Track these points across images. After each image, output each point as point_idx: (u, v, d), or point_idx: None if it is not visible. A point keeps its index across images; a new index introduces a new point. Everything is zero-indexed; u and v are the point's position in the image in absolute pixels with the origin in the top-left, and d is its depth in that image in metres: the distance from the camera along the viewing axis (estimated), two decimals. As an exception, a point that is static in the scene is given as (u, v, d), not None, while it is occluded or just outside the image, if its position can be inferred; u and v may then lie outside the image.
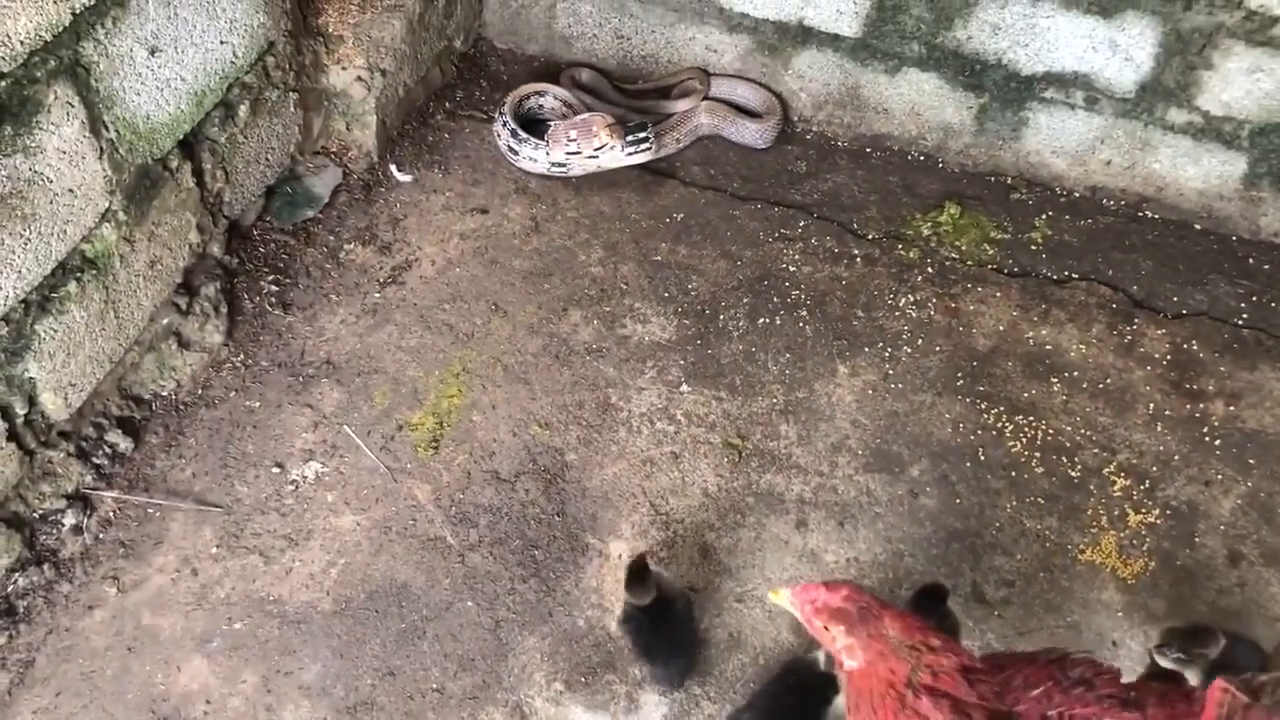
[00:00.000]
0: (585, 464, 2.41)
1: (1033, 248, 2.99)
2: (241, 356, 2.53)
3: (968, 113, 3.11)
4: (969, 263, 2.94)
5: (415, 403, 2.49)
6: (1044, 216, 3.08)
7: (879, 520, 2.36)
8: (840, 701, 1.92)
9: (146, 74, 2.13)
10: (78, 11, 1.89)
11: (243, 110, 2.48)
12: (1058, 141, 3.08)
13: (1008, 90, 3.03)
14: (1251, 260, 3.00)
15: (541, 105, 3.16)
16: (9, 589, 2.07)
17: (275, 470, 2.34)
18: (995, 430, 2.54)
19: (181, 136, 2.30)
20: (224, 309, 2.54)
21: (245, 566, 2.18)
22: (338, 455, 2.38)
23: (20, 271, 1.93)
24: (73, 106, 1.94)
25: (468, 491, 2.34)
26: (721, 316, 2.75)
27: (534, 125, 3.08)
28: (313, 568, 2.19)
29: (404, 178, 2.99)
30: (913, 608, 2.03)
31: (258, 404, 2.45)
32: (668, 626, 2.04)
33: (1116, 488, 2.45)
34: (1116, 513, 2.40)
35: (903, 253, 2.95)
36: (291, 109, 2.69)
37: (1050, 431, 2.55)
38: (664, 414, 2.52)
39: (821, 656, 1.99)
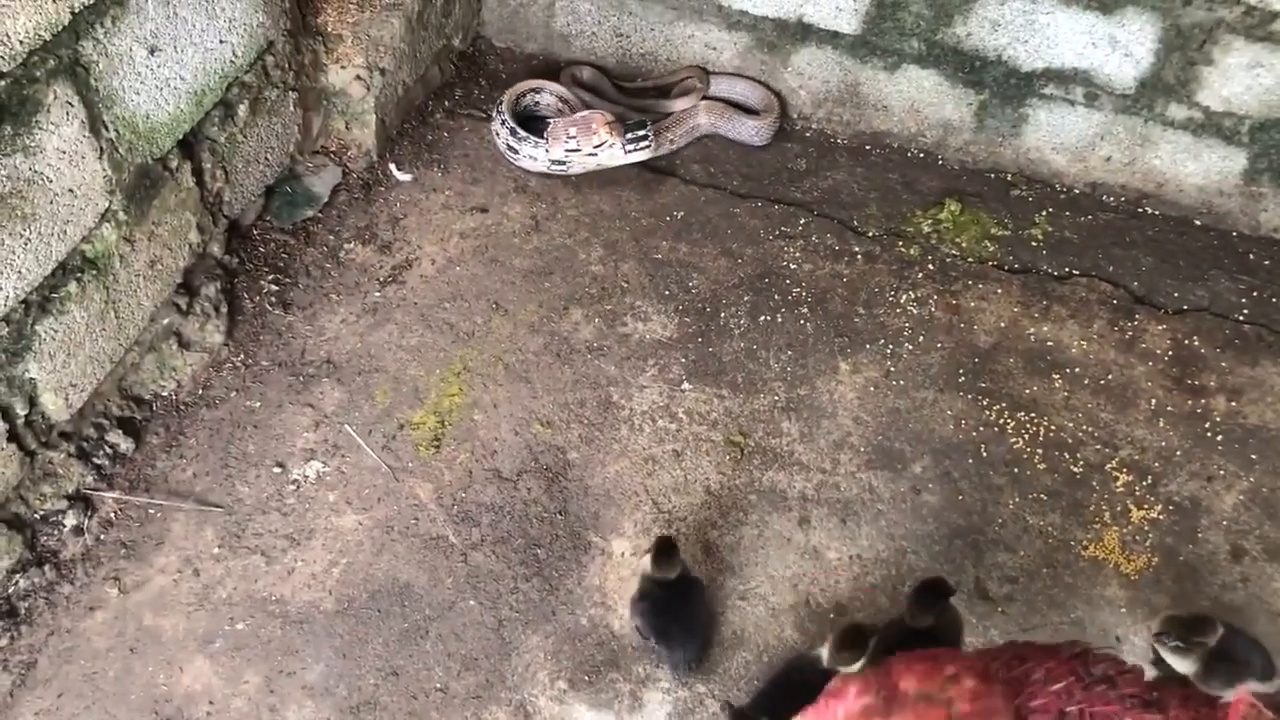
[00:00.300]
0: (587, 462, 2.41)
1: (1033, 244, 2.99)
2: (242, 356, 2.52)
3: (967, 109, 3.11)
4: (969, 259, 2.93)
5: (416, 402, 2.49)
6: (1044, 213, 3.07)
7: (881, 517, 2.36)
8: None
9: (146, 73, 2.12)
10: (77, 11, 1.89)
11: (242, 109, 2.48)
12: (1058, 138, 3.08)
13: (1007, 87, 3.02)
14: (1252, 256, 3.00)
15: (538, 102, 3.16)
16: (10, 590, 2.06)
17: (276, 470, 2.33)
18: (997, 427, 2.54)
19: (181, 136, 2.30)
20: (224, 309, 2.53)
21: (247, 567, 2.18)
22: (339, 455, 2.37)
23: (20, 272, 1.92)
24: (72, 106, 1.93)
25: (470, 490, 2.34)
26: (722, 314, 2.74)
27: (531, 122, 3.08)
28: (315, 567, 2.19)
29: (403, 177, 2.99)
30: (912, 603, 2.02)
31: (258, 404, 2.44)
32: (686, 608, 2.05)
33: (1119, 483, 2.45)
34: (1119, 508, 2.40)
35: (903, 250, 2.94)
36: (291, 108, 2.68)
37: (1052, 428, 2.54)
38: (666, 412, 2.52)
39: (825, 652, 1.98)
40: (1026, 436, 2.53)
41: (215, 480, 2.30)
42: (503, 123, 3.01)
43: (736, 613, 2.19)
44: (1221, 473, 2.48)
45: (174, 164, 2.30)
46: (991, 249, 2.97)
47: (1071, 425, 2.56)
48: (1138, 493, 2.43)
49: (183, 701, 1.99)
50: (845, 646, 1.89)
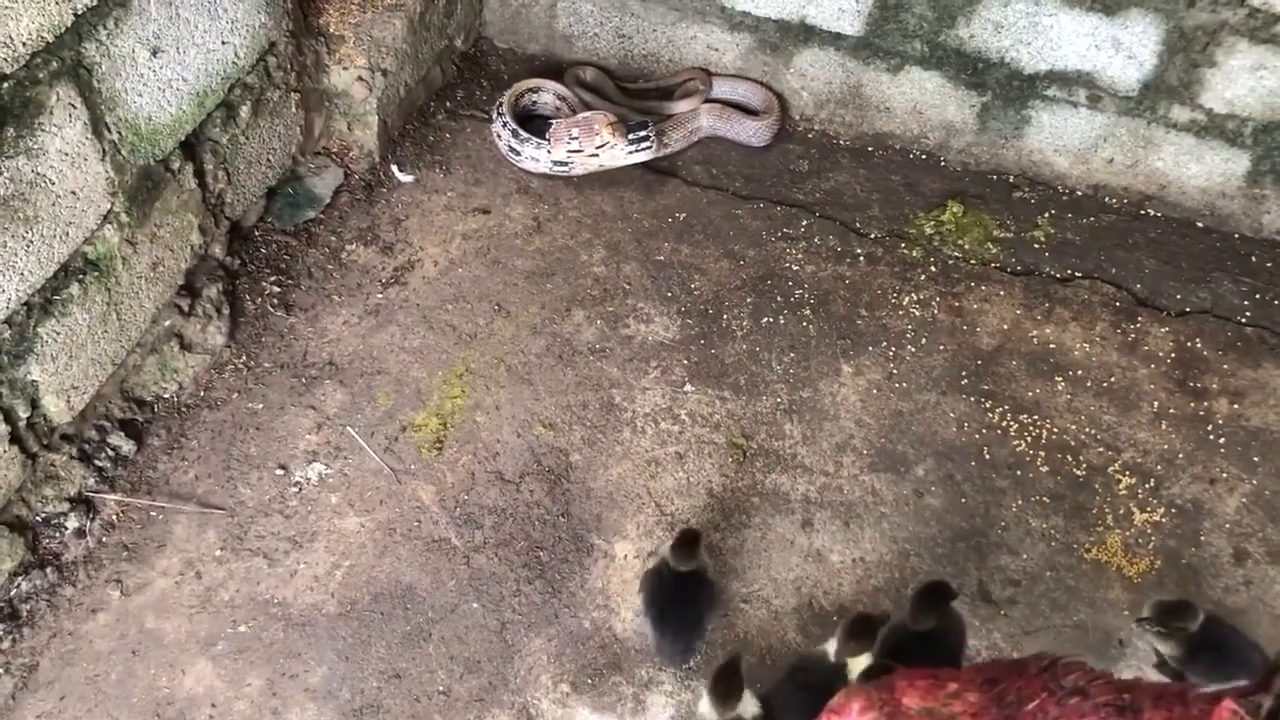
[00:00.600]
0: (590, 464, 2.41)
1: (1035, 246, 2.99)
2: (244, 358, 2.52)
3: (970, 111, 3.11)
4: (972, 261, 2.93)
5: (418, 404, 2.48)
6: (1047, 215, 3.07)
7: (884, 520, 2.36)
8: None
9: (148, 75, 2.12)
10: (80, 12, 1.88)
11: (244, 111, 2.47)
12: (1060, 140, 3.08)
13: (1010, 89, 3.02)
14: (1254, 258, 3.00)
15: (536, 102, 3.16)
16: (12, 593, 2.06)
17: (279, 472, 2.33)
18: (1000, 429, 2.54)
19: (183, 137, 2.29)
20: (226, 310, 2.53)
21: (249, 569, 2.18)
22: (341, 457, 2.37)
23: (23, 274, 1.92)
24: (75, 108, 1.93)
25: (472, 493, 2.34)
26: (725, 316, 2.74)
27: (530, 122, 3.07)
28: (317, 570, 2.19)
29: (405, 178, 2.98)
30: (915, 606, 2.02)
31: (260, 406, 2.44)
32: (688, 605, 2.06)
33: (1121, 486, 2.45)
34: (1122, 511, 2.40)
35: (906, 252, 2.94)
36: (293, 109, 2.68)
37: (1055, 430, 2.54)
38: (668, 414, 2.51)
39: (831, 646, 1.97)
40: (1029, 439, 2.52)
41: (217, 482, 2.30)
42: (504, 125, 3.01)
43: (739, 615, 2.19)
44: (1224, 475, 2.48)
45: (176, 165, 2.29)
46: (994, 251, 2.97)
47: (1074, 428, 2.55)
48: (1140, 495, 2.43)
49: (185, 704, 1.99)
50: (853, 637, 1.89)
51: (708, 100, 3.20)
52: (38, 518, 2.13)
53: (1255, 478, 2.48)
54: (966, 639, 2.08)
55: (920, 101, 3.14)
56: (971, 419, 2.56)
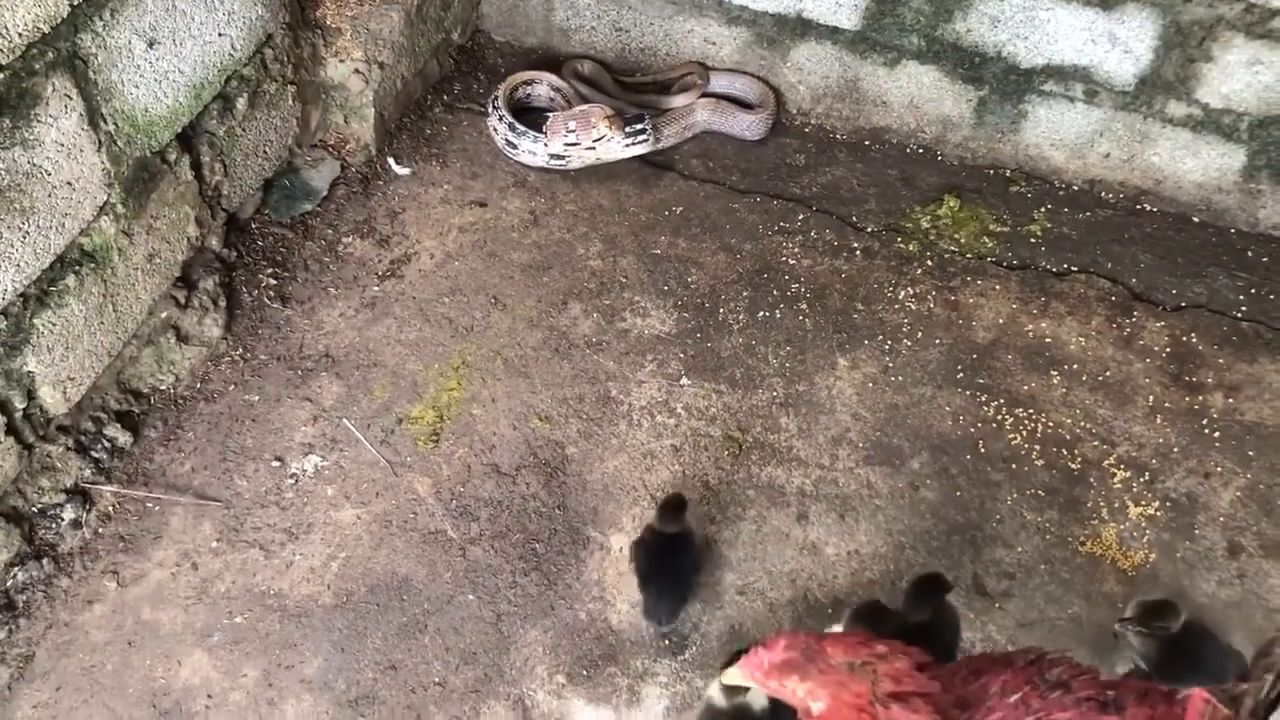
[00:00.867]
0: (586, 457, 2.41)
1: (1032, 240, 2.99)
2: (240, 350, 2.52)
3: (967, 105, 3.11)
4: (968, 255, 2.94)
5: (415, 396, 2.48)
6: (1043, 209, 3.08)
7: (879, 513, 2.37)
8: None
9: (145, 66, 2.11)
10: (76, 3, 1.88)
11: (241, 103, 2.47)
12: (1057, 134, 3.08)
13: (1007, 83, 3.02)
14: (1250, 253, 3.00)
15: (530, 94, 3.16)
16: (8, 584, 2.06)
17: (275, 464, 2.33)
18: (995, 423, 2.55)
19: (180, 129, 2.29)
20: (222, 302, 2.53)
21: (245, 560, 2.18)
22: (337, 449, 2.37)
23: (19, 265, 1.92)
24: (71, 99, 1.93)
25: (468, 485, 2.34)
26: (721, 310, 2.74)
27: (525, 114, 3.07)
28: (313, 561, 2.19)
29: (402, 171, 2.98)
30: (910, 597, 2.03)
31: (257, 398, 2.44)
32: (674, 562, 2.11)
33: (1116, 480, 2.45)
34: (1116, 505, 2.41)
35: (902, 246, 2.94)
36: (289, 102, 2.68)
37: (1050, 424, 2.55)
38: (664, 407, 2.52)
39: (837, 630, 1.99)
40: (1025, 433, 2.53)
41: (213, 474, 2.30)
42: (500, 118, 3.01)
43: (735, 608, 2.19)
44: (1219, 469, 2.49)
45: (172, 157, 2.29)
46: (990, 245, 2.97)
47: (1069, 421, 2.56)
48: (1135, 489, 2.44)
49: (181, 695, 1.99)
50: (861, 623, 1.92)
51: (704, 95, 3.20)
52: (34, 509, 2.13)
53: (1250, 472, 2.49)
54: (961, 632, 2.09)
55: (917, 96, 3.14)
56: (967, 413, 2.56)
